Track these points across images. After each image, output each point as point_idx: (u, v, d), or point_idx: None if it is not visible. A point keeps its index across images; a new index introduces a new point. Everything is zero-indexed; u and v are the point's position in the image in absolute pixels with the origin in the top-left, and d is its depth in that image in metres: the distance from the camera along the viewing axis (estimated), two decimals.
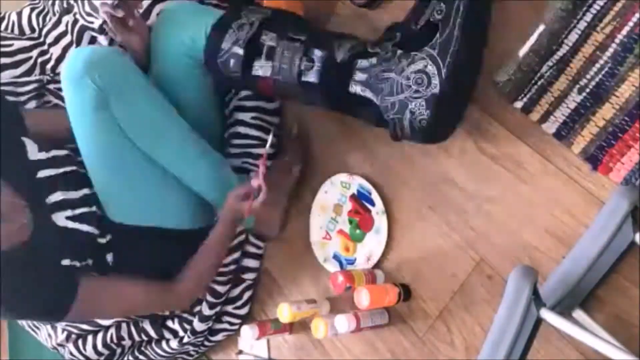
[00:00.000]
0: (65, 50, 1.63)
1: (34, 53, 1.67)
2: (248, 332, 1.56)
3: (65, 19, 1.65)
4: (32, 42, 1.68)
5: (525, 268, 0.98)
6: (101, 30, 1.49)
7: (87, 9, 1.58)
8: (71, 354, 1.72)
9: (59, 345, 1.74)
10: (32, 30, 1.70)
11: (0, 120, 1.32)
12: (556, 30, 1.20)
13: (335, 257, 1.52)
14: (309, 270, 1.59)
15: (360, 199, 1.48)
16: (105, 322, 1.68)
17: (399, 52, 1.20)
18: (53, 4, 1.70)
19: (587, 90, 1.17)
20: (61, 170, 1.40)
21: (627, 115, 1.12)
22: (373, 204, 1.45)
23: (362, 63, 1.23)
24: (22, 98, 1.64)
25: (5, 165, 1.29)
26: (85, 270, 1.36)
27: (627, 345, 1.02)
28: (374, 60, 1.22)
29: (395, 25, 1.26)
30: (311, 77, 1.27)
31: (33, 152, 1.37)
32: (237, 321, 1.69)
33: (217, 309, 1.63)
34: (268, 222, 1.60)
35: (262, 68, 1.30)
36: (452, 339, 1.33)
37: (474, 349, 1.29)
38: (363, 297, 1.31)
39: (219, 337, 1.73)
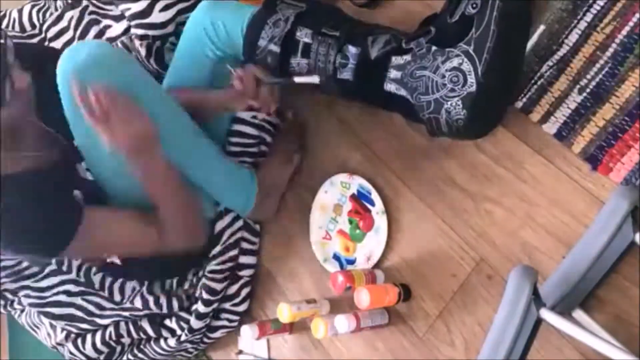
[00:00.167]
0: (65, 45, 1.63)
1: None
2: (248, 332, 1.56)
3: (68, 14, 1.66)
4: (33, 42, 1.68)
5: (525, 268, 0.98)
6: (120, 18, 1.48)
7: None
8: (71, 352, 1.72)
9: (59, 344, 1.74)
10: (33, 26, 1.70)
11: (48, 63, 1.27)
12: (556, 30, 1.20)
13: (335, 257, 1.52)
14: (309, 270, 1.59)
15: (360, 199, 1.48)
16: (104, 322, 1.68)
17: (434, 48, 1.17)
18: (55, 0, 1.70)
19: (588, 90, 1.17)
20: None
21: (627, 115, 1.12)
22: (373, 204, 1.45)
23: (396, 60, 1.22)
24: None
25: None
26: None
27: (627, 345, 1.02)
28: (408, 57, 1.20)
29: (430, 19, 1.24)
30: (346, 74, 1.26)
31: None
32: (236, 318, 1.70)
33: (214, 306, 1.63)
34: (264, 208, 1.60)
35: (298, 65, 1.31)
36: (452, 339, 1.33)
37: (474, 349, 1.29)
38: (363, 297, 1.31)
39: (218, 334, 1.73)
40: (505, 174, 1.27)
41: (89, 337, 1.71)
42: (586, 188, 1.17)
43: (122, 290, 1.65)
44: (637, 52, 1.12)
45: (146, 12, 1.51)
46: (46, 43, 1.67)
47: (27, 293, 1.65)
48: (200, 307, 1.61)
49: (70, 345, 1.72)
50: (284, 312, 1.47)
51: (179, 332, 1.66)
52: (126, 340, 1.72)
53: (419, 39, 1.20)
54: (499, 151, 1.28)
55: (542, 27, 1.22)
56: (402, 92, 1.21)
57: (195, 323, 1.62)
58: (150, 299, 1.65)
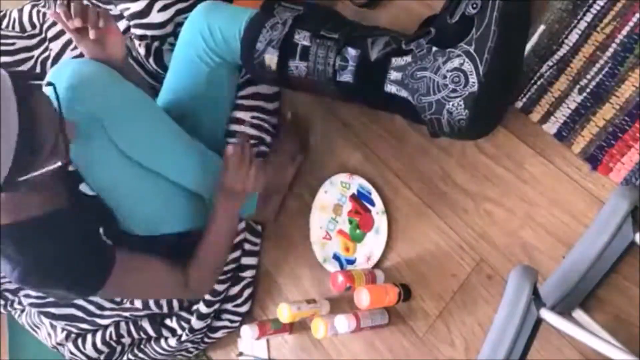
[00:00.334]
0: (65, 46, 1.63)
1: (36, 52, 1.67)
2: (248, 332, 1.56)
3: None
4: (34, 42, 1.68)
5: (525, 268, 0.98)
6: (119, 17, 1.46)
7: None
8: (71, 352, 1.72)
9: (59, 344, 1.74)
10: (33, 26, 1.70)
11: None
12: (556, 30, 1.20)
13: (335, 257, 1.52)
14: (309, 270, 1.59)
15: (360, 199, 1.48)
16: (104, 322, 1.68)
17: (434, 49, 1.17)
18: (55, 0, 1.70)
19: (588, 90, 1.17)
20: None
21: (627, 115, 1.12)
22: (373, 204, 1.45)
23: (397, 61, 1.21)
24: None
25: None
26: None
27: (627, 345, 1.02)
28: (408, 58, 1.20)
29: (430, 20, 1.24)
30: (346, 77, 1.26)
31: None
32: (238, 319, 1.70)
33: (215, 307, 1.63)
34: (266, 209, 1.61)
35: (297, 69, 1.30)
36: (452, 339, 1.33)
37: (474, 349, 1.29)
38: (363, 297, 1.31)
39: (219, 334, 1.73)
40: (505, 174, 1.27)
41: (89, 337, 1.71)
42: (586, 188, 1.17)
43: None
44: (637, 52, 1.12)
45: (145, 12, 1.51)
46: (46, 43, 1.67)
47: (27, 293, 1.65)
48: (201, 307, 1.61)
49: (70, 345, 1.72)
50: (284, 312, 1.47)
51: (179, 331, 1.66)
52: (126, 340, 1.72)
53: (419, 40, 1.19)
54: (499, 151, 1.28)
55: (542, 27, 1.22)
56: (403, 93, 1.21)
57: (197, 323, 1.63)
58: (150, 299, 1.65)
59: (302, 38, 1.28)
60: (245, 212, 1.55)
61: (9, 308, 1.77)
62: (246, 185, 1.40)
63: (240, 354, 1.75)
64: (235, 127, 1.56)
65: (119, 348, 1.74)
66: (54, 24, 1.67)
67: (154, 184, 1.37)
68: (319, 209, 1.56)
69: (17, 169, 1.06)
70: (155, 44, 1.55)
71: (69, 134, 1.15)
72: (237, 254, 1.62)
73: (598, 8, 1.16)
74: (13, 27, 1.73)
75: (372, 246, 1.45)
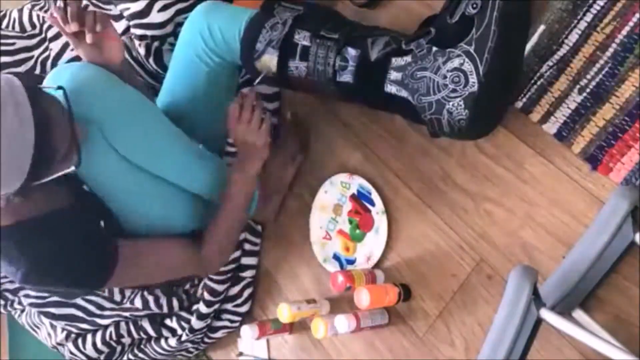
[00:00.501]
0: (65, 46, 1.63)
1: (36, 52, 1.67)
2: (248, 332, 1.56)
3: None
4: (33, 42, 1.68)
5: (525, 268, 0.98)
6: (119, 17, 1.46)
7: None
8: (71, 352, 1.72)
9: (59, 344, 1.74)
10: (33, 26, 1.70)
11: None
12: (556, 30, 1.20)
13: (335, 257, 1.52)
14: (309, 270, 1.59)
15: (360, 199, 1.48)
16: (104, 322, 1.68)
17: (434, 49, 1.17)
18: (55, 0, 1.70)
19: (588, 90, 1.17)
20: None
21: (627, 115, 1.12)
22: (373, 204, 1.45)
23: (397, 61, 1.21)
24: None
25: None
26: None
27: (627, 345, 1.02)
28: (408, 58, 1.20)
29: (430, 20, 1.24)
30: (346, 77, 1.26)
31: None
32: (238, 319, 1.70)
33: (215, 307, 1.63)
34: (266, 209, 1.61)
35: (297, 69, 1.30)
36: (452, 339, 1.33)
37: (474, 349, 1.29)
38: (363, 297, 1.31)
39: (219, 334, 1.73)
40: (505, 174, 1.27)
41: (89, 337, 1.71)
42: (586, 188, 1.17)
43: (122, 290, 1.65)
44: (637, 52, 1.12)
45: (145, 12, 1.51)
46: (46, 43, 1.67)
47: (27, 293, 1.65)
48: (201, 307, 1.61)
49: (70, 345, 1.72)
50: (284, 312, 1.47)
51: (179, 331, 1.66)
52: (126, 340, 1.72)
53: (419, 40, 1.19)
54: (499, 151, 1.28)
55: (542, 27, 1.22)
56: (403, 93, 1.21)
57: (197, 323, 1.63)
58: (151, 299, 1.65)
59: (302, 38, 1.28)
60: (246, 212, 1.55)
61: (9, 308, 1.77)
62: (256, 137, 1.37)
63: (240, 354, 1.75)
64: None
65: (119, 348, 1.74)
66: None
67: (153, 187, 1.36)
68: (319, 209, 1.56)
69: (33, 174, 1.06)
70: (155, 44, 1.55)
71: (79, 137, 1.15)
72: (237, 254, 1.62)
73: (598, 8, 1.16)
74: (13, 27, 1.72)
75: (372, 246, 1.45)
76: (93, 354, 1.72)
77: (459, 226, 1.33)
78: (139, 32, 1.55)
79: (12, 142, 1.02)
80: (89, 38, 1.23)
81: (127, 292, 1.66)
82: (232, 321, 1.70)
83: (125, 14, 1.55)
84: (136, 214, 1.37)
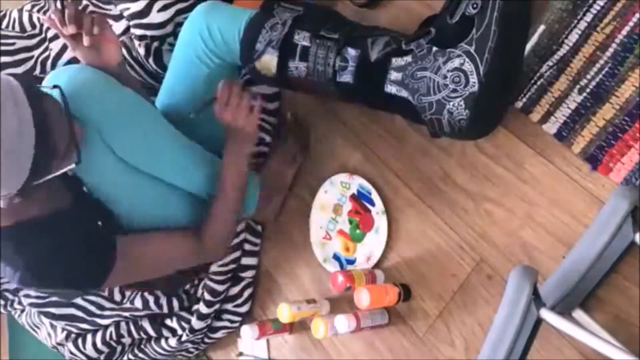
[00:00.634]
0: (65, 46, 1.63)
1: (36, 53, 1.67)
2: (248, 332, 1.56)
3: None
4: (33, 42, 1.68)
5: (525, 268, 0.98)
6: (119, 17, 1.45)
7: None
8: (71, 352, 1.72)
9: (59, 344, 1.74)
10: (33, 26, 1.70)
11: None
12: (556, 30, 1.20)
13: (335, 257, 1.52)
14: (309, 270, 1.59)
15: (360, 199, 1.48)
16: (104, 322, 1.68)
17: (435, 49, 1.17)
18: (55, 0, 1.70)
19: (588, 90, 1.17)
20: None
21: (627, 115, 1.12)
22: (373, 204, 1.45)
23: (397, 62, 1.21)
24: None
25: None
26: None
27: (627, 345, 1.02)
28: (408, 58, 1.20)
29: (430, 20, 1.24)
30: (346, 77, 1.26)
31: None
32: (238, 319, 1.70)
33: (216, 307, 1.63)
34: (266, 210, 1.60)
35: (297, 69, 1.30)
36: (452, 339, 1.33)
37: (474, 349, 1.29)
38: (363, 297, 1.31)
39: (219, 334, 1.73)
40: (505, 174, 1.27)
41: (89, 337, 1.71)
42: (586, 188, 1.17)
43: (122, 290, 1.65)
44: (637, 52, 1.12)
45: (144, 12, 1.51)
46: (46, 43, 1.67)
47: (27, 293, 1.65)
48: (202, 307, 1.61)
49: (70, 345, 1.72)
50: (284, 312, 1.47)
51: (179, 331, 1.66)
52: (127, 340, 1.72)
53: (419, 40, 1.19)
54: (499, 151, 1.28)
55: (542, 27, 1.22)
56: (404, 93, 1.21)
57: (197, 323, 1.63)
58: (151, 299, 1.65)
59: (301, 38, 1.28)
60: (246, 211, 1.55)
61: (9, 308, 1.77)
62: (245, 121, 1.36)
63: (240, 354, 1.75)
64: None
65: (119, 348, 1.74)
66: None
67: (152, 187, 1.36)
68: (319, 209, 1.56)
69: (34, 173, 1.07)
70: (155, 44, 1.55)
71: (78, 135, 1.16)
72: (237, 254, 1.62)
73: (598, 8, 1.16)
74: (13, 27, 1.72)
75: (372, 246, 1.45)
76: (93, 354, 1.72)
77: (459, 226, 1.33)
78: (139, 32, 1.55)
79: (12, 141, 1.02)
80: (86, 41, 1.23)
81: (127, 292, 1.66)
82: (232, 321, 1.70)
83: (125, 14, 1.55)
84: (135, 214, 1.37)
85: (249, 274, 1.67)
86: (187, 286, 1.68)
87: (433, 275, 1.36)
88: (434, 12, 1.26)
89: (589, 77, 1.17)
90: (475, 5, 1.12)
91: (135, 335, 1.71)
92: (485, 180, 1.30)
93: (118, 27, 1.64)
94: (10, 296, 1.73)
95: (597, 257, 1.03)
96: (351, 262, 1.49)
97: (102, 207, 1.34)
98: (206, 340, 1.74)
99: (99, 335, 1.70)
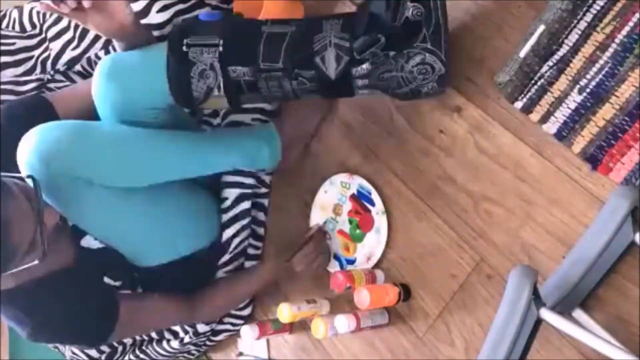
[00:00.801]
0: (65, 46, 1.63)
1: (36, 52, 1.67)
2: (248, 332, 1.56)
3: None
4: (34, 42, 1.68)
5: (525, 268, 0.98)
6: None
7: None
8: (72, 352, 1.72)
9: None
10: (33, 26, 1.70)
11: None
12: (556, 30, 1.20)
13: (335, 257, 1.52)
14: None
15: (360, 199, 1.48)
16: None
17: (392, 53, 1.19)
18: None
19: (588, 90, 1.17)
20: None
21: (627, 115, 1.12)
22: (373, 204, 1.45)
23: (358, 71, 1.21)
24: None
25: None
26: (119, 288, 1.39)
27: (627, 345, 1.02)
28: (367, 65, 1.20)
29: (370, 27, 1.19)
30: (311, 95, 1.26)
31: None
32: (240, 322, 1.70)
33: None
34: (288, 156, 1.57)
35: (252, 99, 1.27)
36: (452, 339, 1.33)
37: (474, 349, 1.29)
38: (363, 297, 1.31)
39: (221, 337, 1.73)
40: (505, 174, 1.27)
41: None
42: (586, 188, 1.17)
43: None
44: (637, 52, 1.12)
45: (143, 12, 1.51)
46: (46, 43, 1.67)
47: None
48: None
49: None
50: (284, 312, 1.47)
51: (182, 334, 1.66)
52: (128, 340, 1.72)
53: (373, 50, 1.18)
54: (499, 151, 1.28)
55: (542, 27, 1.22)
56: (377, 91, 1.24)
57: (201, 327, 1.63)
58: None
59: (242, 74, 1.21)
60: (269, 165, 1.53)
61: None
62: (302, 271, 1.49)
63: (240, 354, 1.75)
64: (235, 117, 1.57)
65: (120, 348, 1.74)
66: (54, 23, 1.67)
67: (161, 211, 1.39)
68: (319, 209, 1.56)
69: None
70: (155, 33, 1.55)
71: (50, 222, 1.16)
72: (241, 259, 1.62)
73: (598, 8, 1.16)
74: (13, 27, 1.72)
75: (372, 246, 1.45)
76: (95, 354, 1.72)
77: (459, 226, 1.33)
78: None
79: None
80: (86, 3, 1.20)
81: None
82: (234, 324, 1.70)
83: None
84: (147, 244, 1.40)
85: None
86: None
87: (433, 275, 1.36)
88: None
89: (588, 77, 1.17)
90: (419, 13, 1.16)
91: (137, 336, 1.71)
92: (485, 180, 1.30)
93: None
94: None
95: (597, 257, 1.03)
96: (351, 262, 1.49)
97: (109, 257, 1.36)
98: (208, 343, 1.74)
99: None
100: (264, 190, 1.63)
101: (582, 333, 0.93)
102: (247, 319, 1.70)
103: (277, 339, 1.66)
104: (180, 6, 1.51)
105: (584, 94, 1.17)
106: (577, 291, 1.07)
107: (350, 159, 1.52)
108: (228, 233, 1.55)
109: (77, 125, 1.25)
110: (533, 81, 1.23)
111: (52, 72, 1.66)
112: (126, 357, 1.75)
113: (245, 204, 1.57)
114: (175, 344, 1.67)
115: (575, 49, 1.19)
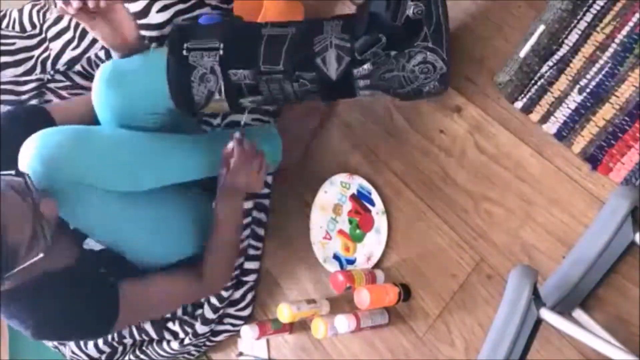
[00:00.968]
0: (65, 46, 1.63)
1: (36, 52, 1.67)
2: (248, 332, 1.56)
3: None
4: (34, 42, 1.68)
5: (525, 268, 0.98)
6: None
7: None
8: (72, 352, 1.72)
9: (60, 344, 1.74)
10: (33, 26, 1.70)
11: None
12: (556, 30, 1.20)
13: (335, 257, 1.52)
14: (309, 270, 1.59)
15: (360, 199, 1.48)
16: None
17: (393, 53, 1.19)
18: (55, 0, 1.70)
19: (588, 90, 1.17)
20: None
21: (627, 115, 1.12)
22: (373, 204, 1.45)
23: (359, 71, 1.21)
24: (23, 97, 1.65)
25: None
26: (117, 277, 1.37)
27: (627, 345, 1.02)
28: (369, 65, 1.20)
29: (371, 26, 1.19)
30: (312, 96, 1.25)
31: None
32: (240, 322, 1.70)
33: (220, 312, 1.63)
34: (289, 156, 1.57)
35: (253, 101, 1.27)
36: (452, 339, 1.33)
37: (474, 349, 1.29)
38: (363, 297, 1.31)
39: (221, 337, 1.73)
40: (505, 174, 1.27)
41: None
42: (586, 188, 1.17)
43: None
44: (637, 52, 1.12)
45: (143, 12, 1.51)
46: (46, 43, 1.67)
47: None
48: (207, 312, 1.61)
49: (72, 345, 1.72)
50: (284, 312, 1.47)
51: (182, 335, 1.66)
52: (128, 340, 1.72)
53: (374, 50, 1.18)
54: (499, 151, 1.28)
55: (542, 27, 1.22)
56: (378, 91, 1.24)
57: (201, 328, 1.63)
58: None
59: (242, 77, 1.21)
60: (270, 165, 1.52)
61: None
62: (249, 180, 1.37)
63: (240, 354, 1.75)
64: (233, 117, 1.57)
65: (120, 348, 1.74)
66: (54, 23, 1.67)
67: (163, 213, 1.39)
68: (319, 209, 1.56)
69: None
70: (154, 45, 1.55)
71: (50, 214, 1.16)
72: (240, 260, 1.62)
73: (598, 8, 1.16)
74: (13, 27, 1.72)
75: (372, 246, 1.45)
76: (95, 354, 1.72)
77: (458, 226, 1.33)
78: None
79: None
80: (91, 3, 1.21)
81: None
82: (234, 325, 1.70)
83: None
84: (149, 246, 1.40)
85: (251, 277, 1.67)
86: None
87: (433, 275, 1.36)
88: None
89: (589, 77, 1.17)
90: (420, 12, 1.16)
91: (137, 337, 1.71)
92: (485, 180, 1.30)
93: None
94: None
95: (597, 257, 1.04)
96: (351, 262, 1.49)
97: (107, 253, 1.36)
98: (208, 344, 1.74)
99: None
100: (264, 190, 1.63)
101: (582, 333, 0.93)
102: (247, 319, 1.70)
103: (277, 339, 1.66)
104: (180, 6, 1.51)
105: (584, 94, 1.17)
106: (577, 291, 1.07)
107: (350, 159, 1.52)
108: None
109: (78, 130, 1.25)
110: (533, 81, 1.23)
111: (52, 72, 1.66)
112: (126, 358, 1.75)
113: (246, 204, 1.57)
114: (175, 344, 1.67)
115: (575, 49, 1.19)
